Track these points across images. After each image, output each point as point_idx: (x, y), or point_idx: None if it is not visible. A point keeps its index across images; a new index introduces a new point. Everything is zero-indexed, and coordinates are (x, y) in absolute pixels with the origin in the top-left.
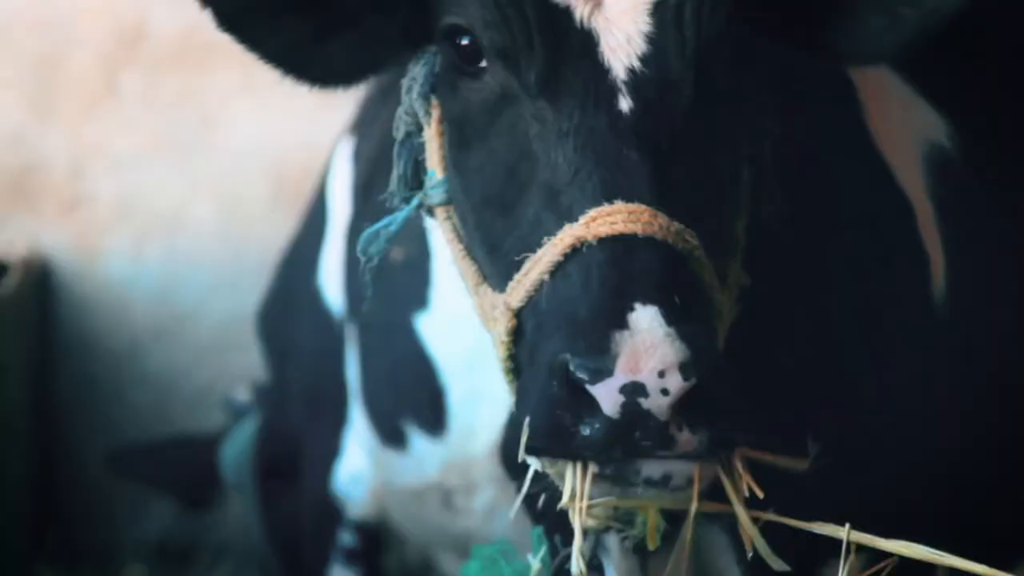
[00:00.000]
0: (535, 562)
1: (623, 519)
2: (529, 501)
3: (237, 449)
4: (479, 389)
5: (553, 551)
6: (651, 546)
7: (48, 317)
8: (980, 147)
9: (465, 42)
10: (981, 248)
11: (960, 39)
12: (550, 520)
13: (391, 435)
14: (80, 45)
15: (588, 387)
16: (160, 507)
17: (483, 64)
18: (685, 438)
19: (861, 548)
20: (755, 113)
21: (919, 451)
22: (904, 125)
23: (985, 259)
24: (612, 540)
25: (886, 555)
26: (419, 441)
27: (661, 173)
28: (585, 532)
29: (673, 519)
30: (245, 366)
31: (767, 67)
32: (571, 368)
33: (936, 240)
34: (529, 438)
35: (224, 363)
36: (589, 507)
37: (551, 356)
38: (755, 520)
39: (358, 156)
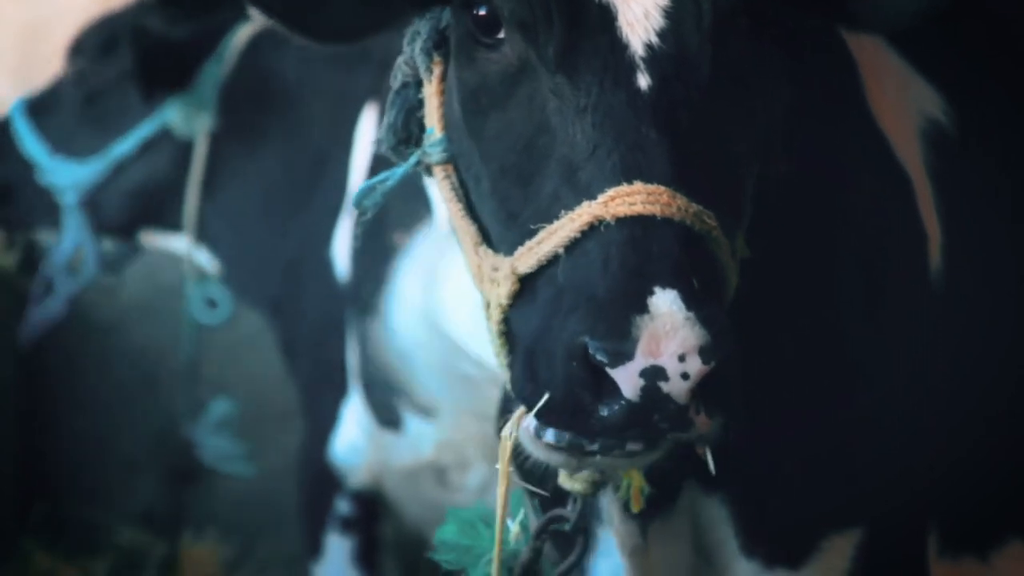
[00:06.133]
0: (514, 525)
1: (606, 482)
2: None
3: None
4: (471, 369)
5: (536, 514)
6: (634, 508)
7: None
8: (976, 122)
9: (483, 12)
10: (977, 224)
11: (956, 14)
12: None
13: (388, 419)
14: (64, 16)
15: (608, 370)
16: (145, 480)
17: (501, 35)
18: (702, 420)
19: (856, 521)
20: (769, 85)
21: (917, 428)
22: (902, 100)
23: (981, 235)
24: (613, 506)
25: (878, 527)
26: (414, 422)
27: (679, 152)
28: (572, 497)
29: (661, 484)
30: (230, 341)
31: (779, 37)
32: (591, 351)
33: (933, 216)
34: (545, 410)
35: (210, 339)
36: (573, 472)
37: (570, 337)
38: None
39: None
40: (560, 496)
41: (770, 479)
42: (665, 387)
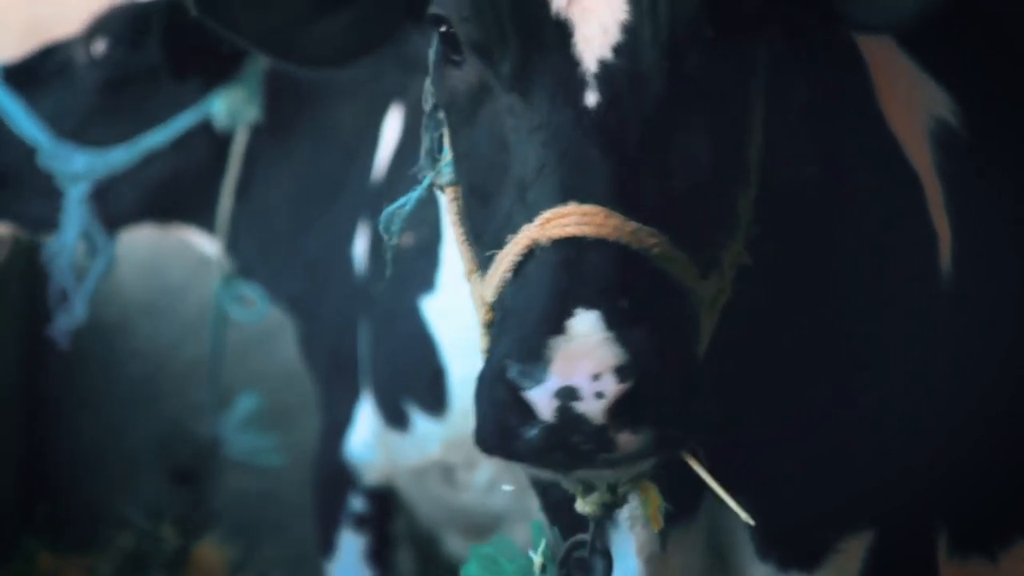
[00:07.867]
0: (536, 557)
1: (621, 502)
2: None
3: None
4: (478, 368)
5: (555, 543)
6: (654, 528)
7: (37, 292)
8: (984, 124)
9: (446, 30)
10: (987, 226)
11: (962, 14)
12: (550, 512)
13: (394, 417)
14: (68, 16)
15: (524, 393)
16: (149, 480)
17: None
18: (624, 439)
19: (870, 523)
20: (750, 93)
21: (920, 431)
22: (912, 101)
23: (991, 238)
24: (636, 512)
25: (889, 528)
26: (421, 421)
27: (622, 170)
28: (590, 520)
29: (680, 496)
30: (234, 341)
31: (776, 37)
32: (509, 374)
33: (943, 217)
34: (478, 437)
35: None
36: (585, 495)
37: (496, 360)
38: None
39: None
40: (582, 522)
41: (784, 481)
42: (579, 407)
